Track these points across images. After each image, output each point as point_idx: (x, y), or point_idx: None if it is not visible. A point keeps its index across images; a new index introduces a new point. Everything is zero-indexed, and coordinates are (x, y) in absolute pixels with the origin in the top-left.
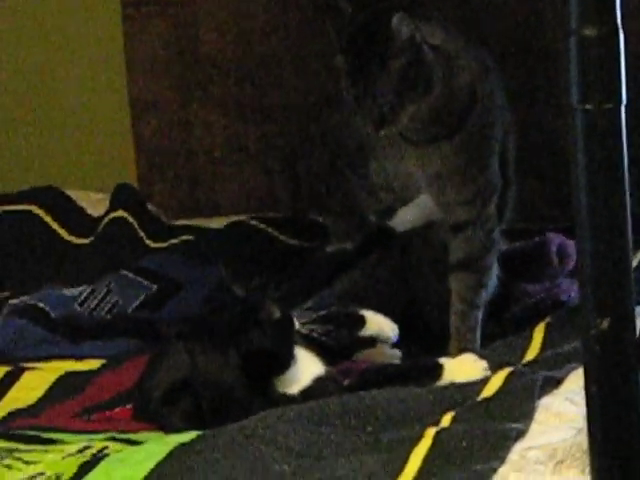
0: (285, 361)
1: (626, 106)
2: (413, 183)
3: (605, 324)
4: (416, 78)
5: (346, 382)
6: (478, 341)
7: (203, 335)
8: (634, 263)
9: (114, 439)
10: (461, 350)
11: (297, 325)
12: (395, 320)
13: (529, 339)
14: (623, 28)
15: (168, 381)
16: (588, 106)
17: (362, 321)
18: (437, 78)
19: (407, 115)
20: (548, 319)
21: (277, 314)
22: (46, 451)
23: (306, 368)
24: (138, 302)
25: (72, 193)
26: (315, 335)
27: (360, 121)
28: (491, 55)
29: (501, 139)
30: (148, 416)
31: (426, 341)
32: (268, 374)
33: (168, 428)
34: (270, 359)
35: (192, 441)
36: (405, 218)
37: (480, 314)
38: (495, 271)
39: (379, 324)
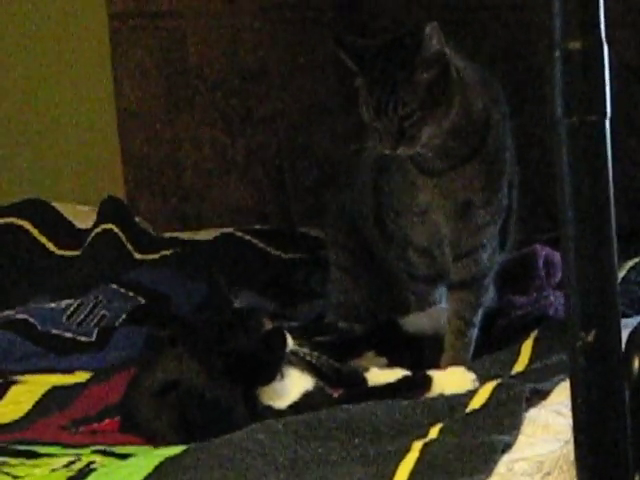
0: (270, 372)
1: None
2: (430, 216)
3: (591, 337)
4: (440, 94)
5: (336, 395)
6: (470, 357)
7: (193, 340)
8: (620, 275)
9: (101, 452)
10: (452, 364)
11: (291, 345)
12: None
13: (517, 353)
14: (609, 39)
15: (157, 385)
16: (572, 119)
17: (364, 381)
18: (457, 99)
19: (427, 133)
20: (536, 333)
21: (269, 326)
22: (34, 465)
23: (296, 383)
24: (126, 315)
25: (60, 206)
26: (312, 361)
27: (376, 142)
28: (497, 80)
29: (509, 164)
30: (135, 425)
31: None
32: (251, 383)
33: (155, 436)
34: (254, 368)
35: (179, 455)
36: (417, 322)
37: (475, 331)
38: (491, 289)
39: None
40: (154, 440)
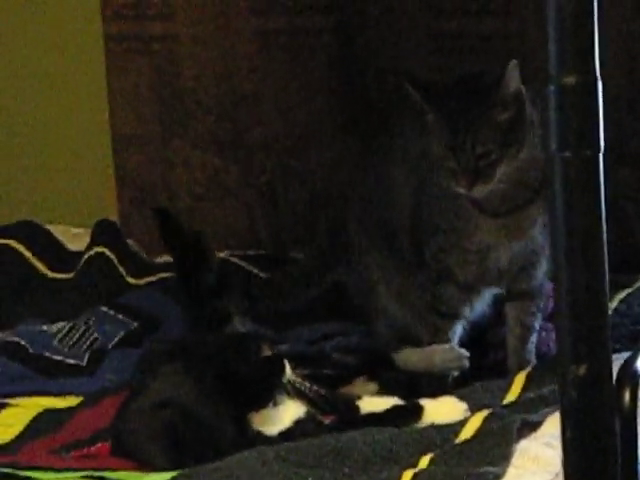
0: (263, 398)
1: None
2: (490, 255)
3: (582, 370)
4: (514, 134)
5: (327, 422)
6: (534, 358)
7: (190, 359)
8: (611, 307)
9: (91, 477)
10: (519, 368)
11: (289, 374)
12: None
13: (510, 383)
14: (603, 73)
15: (149, 404)
16: (566, 153)
17: (356, 409)
18: (528, 138)
19: (500, 172)
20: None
21: (267, 352)
22: None
23: (288, 410)
24: (117, 339)
25: (52, 228)
26: (305, 391)
27: (450, 181)
28: None
29: None
30: (125, 447)
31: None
32: (243, 407)
33: (145, 459)
34: (248, 392)
35: None
36: (410, 359)
37: (536, 335)
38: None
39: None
40: (144, 463)
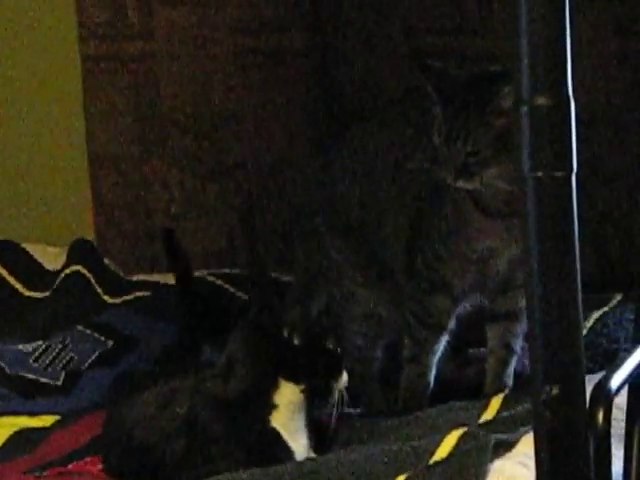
0: (324, 386)
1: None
2: (490, 261)
3: (555, 390)
4: (509, 144)
5: None
6: (511, 382)
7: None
8: (587, 325)
9: None
10: (496, 391)
11: (345, 381)
12: None
13: (487, 403)
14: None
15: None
16: (539, 174)
17: None
18: None
19: (488, 175)
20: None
21: (331, 346)
22: None
23: (303, 438)
24: (93, 358)
25: (29, 247)
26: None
27: (441, 170)
28: None
29: None
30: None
31: None
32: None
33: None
34: (305, 370)
35: None
36: None
37: (516, 357)
38: None
39: None
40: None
